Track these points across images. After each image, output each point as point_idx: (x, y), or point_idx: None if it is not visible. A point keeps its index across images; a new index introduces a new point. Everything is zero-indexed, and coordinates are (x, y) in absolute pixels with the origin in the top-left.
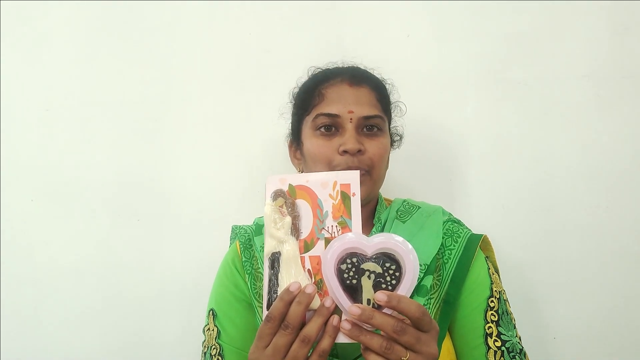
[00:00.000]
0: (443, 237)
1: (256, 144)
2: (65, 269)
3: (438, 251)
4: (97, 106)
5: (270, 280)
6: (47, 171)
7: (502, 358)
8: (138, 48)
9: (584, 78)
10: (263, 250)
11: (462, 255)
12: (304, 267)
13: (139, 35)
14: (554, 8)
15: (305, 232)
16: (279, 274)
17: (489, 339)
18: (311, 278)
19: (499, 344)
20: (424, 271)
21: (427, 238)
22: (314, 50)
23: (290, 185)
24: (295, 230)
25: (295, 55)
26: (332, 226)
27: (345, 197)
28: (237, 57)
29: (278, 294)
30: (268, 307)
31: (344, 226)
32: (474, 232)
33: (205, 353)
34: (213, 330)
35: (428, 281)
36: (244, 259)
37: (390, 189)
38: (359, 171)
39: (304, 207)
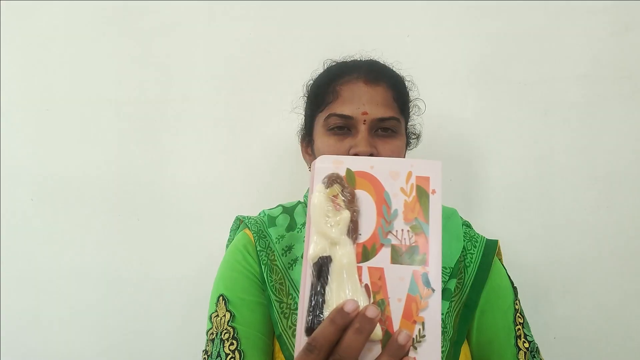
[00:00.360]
0: (464, 240)
1: (256, 144)
2: (65, 268)
3: (460, 254)
4: (97, 106)
5: (314, 293)
6: (47, 171)
7: (526, 359)
8: (138, 48)
9: (584, 78)
10: (279, 242)
11: (482, 260)
12: (360, 280)
13: (139, 35)
14: (554, 8)
15: (365, 234)
16: (327, 287)
17: (519, 340)
18: (369, 297)
19: (527, 345)
20: (448, 274)
21: (450, 240)
22: (313, 50)
23: (348, 170)
24: (353, 230)
25: (295, 56)
26: (402, 230)
27: (421, 194)
28: (237, 57)
29: (324, 314)
30: (308, 331)
31: (418, 232)
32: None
33: (212, 340)
34: (224, 315)
35: (452, 284)
36: (259, 248)
37: None
38: (441, 162)
39: (366, 201)
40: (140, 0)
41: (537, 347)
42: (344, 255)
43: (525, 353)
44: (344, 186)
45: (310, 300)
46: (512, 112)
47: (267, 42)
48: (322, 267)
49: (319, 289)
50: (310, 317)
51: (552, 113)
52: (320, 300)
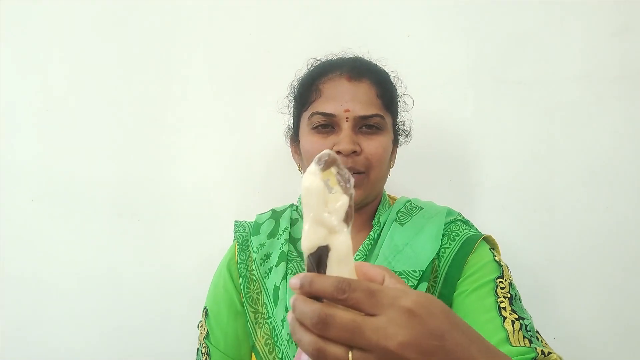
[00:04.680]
0: (442, 238)
1: (256, 144)
2: (66, 269)
3: (434, 254)
4: (97, 106)
5: None
6: (47, 171)
7: (520, 331)
8: (138, 48)
9: (584, 78)
10: (259, 251)
11: (456, 254)
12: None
13: (139, 35)
14: (554, 8)
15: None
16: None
17: (502, 311)
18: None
19: (515, 316)
20: (417, 277)
21: (425, 242)
22: (313, 50)
23: None
24: (349, 215)
25: (295, 55)
26: None
27: None
28: (238, 57)
29: None
30: None
31: None
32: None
33: (198, 349)
34: (204, 328)
35: (423, 288)
36: (239, 261)
37: (389, 188)
38: None
39: None
40: (140, 0)
41: (538, 336)
42: (342, 243)
43: (513, 322)
44: (340, 168)
45: None
46: (512, 112)
47: (267, 42)
48: (321, 258)
49: None
50: None
51: (551, 113)
52: None
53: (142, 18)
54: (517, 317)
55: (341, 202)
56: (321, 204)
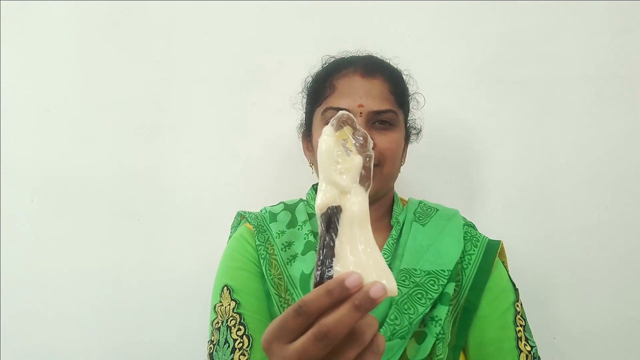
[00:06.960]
0: (464, 241)
1: (256, 143)
2: (66, 268)
3: (459, 256)
4: (97, 106)
5: (322, 245)
6: (47, 171)
7: None
8: (138, 48)
9: (584, 78)
10: (279, 237)
11: (482, 261)
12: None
13: (139, 35)
14: (554, 8)
15: None
16: (337, 240)
17: (520, 342)
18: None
19: (528, 348)
20: (447, 277)
21: (450, 242)
22: (314, 50)
23: None
24: (366, 177)
25: (295, 55)
26: None
27: None
28: (238, 57)
29: (334, 269)
30: (316, 286)
31: None
32: None
33: (218, 329)
34: (229, 304)
35: (450, 288)
36: (257, 242)
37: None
38: None
39: None
40: (140, 0)
41: (539, 357)
42: (356, 205)
43: (527, 356)
44: (355, 129)
45: (319, 254)
46: (512, 112)
47: (267, 42)
48: (331, 218)
49: (327, 241)
50: (318, 272)
51: (552, 113)
52: (330, 253)
53: (142, 17)
54: (529, 348)
55: (355, 161)
56: (331, 163)
